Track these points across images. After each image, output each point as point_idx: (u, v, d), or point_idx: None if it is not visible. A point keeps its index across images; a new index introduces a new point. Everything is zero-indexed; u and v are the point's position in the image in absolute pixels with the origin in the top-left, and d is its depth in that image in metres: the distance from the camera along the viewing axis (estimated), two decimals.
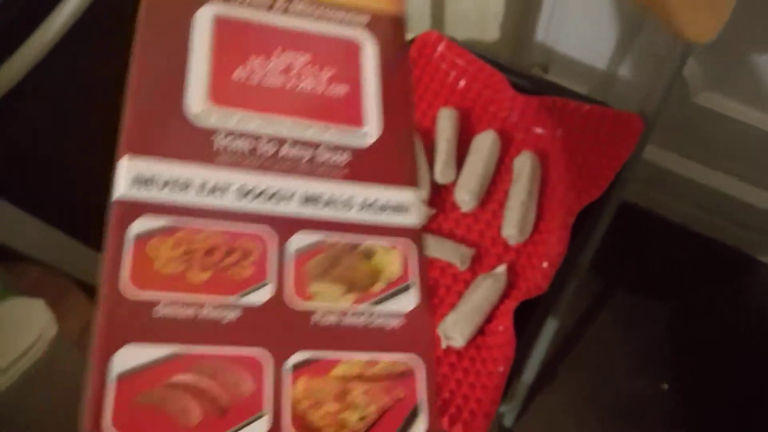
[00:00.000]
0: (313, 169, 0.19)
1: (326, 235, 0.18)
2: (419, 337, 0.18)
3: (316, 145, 0.19)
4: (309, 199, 0.18)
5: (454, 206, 0.71)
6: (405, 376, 0.17)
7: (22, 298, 0.73)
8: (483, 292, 0.64)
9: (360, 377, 0.17)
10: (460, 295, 0.66)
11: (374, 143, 0.20)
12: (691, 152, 1.08)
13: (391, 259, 0.19)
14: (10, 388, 0.66)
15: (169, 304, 0.16)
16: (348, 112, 0.20)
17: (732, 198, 1.07)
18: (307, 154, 0.19)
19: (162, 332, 0.15)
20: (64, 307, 0.89)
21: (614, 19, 0.92)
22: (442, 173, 0.71)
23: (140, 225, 0.17)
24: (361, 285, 0.18)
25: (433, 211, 0.70)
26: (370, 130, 0.20)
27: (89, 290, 0.91)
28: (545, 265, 0.65)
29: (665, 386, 1.05)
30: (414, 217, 0.20)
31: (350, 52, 0.21)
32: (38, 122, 0.82)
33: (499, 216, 0.70)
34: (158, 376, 0.15)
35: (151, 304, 0.16)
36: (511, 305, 0.63)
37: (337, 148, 0.20)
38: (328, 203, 0.19)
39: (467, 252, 0.67)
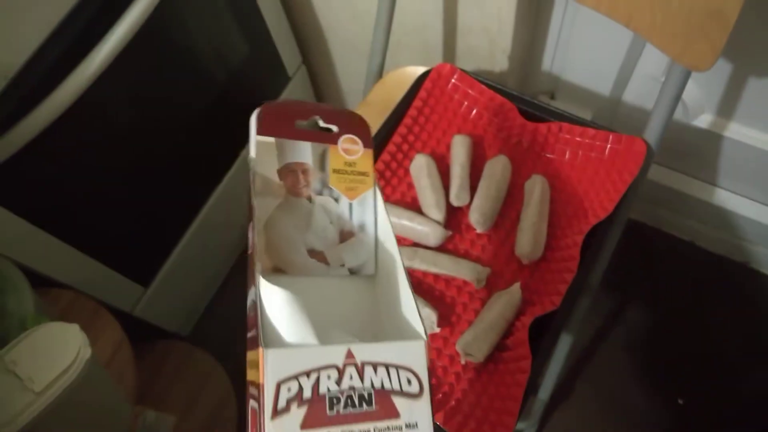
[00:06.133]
0: None
1: None
2: None
3: None
4: None
5: (470, 227, 0.74)
6: None
7: (58, 322, 0.75)
8: (499, 309, 0.66)
9: None
10: (476, 312, 0.68)
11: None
12: (696, 172, 1.10)
13: None
14: (46, 410, 0.69)
15: None
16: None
17: (737, 215, 1.09)
18: None
19: None
20: (95, 329, 0.92)
21: (616, 49, 0.96)
22: (458, 196, 0.74)
23: None
24: None
25: (450, 233, 0.73)
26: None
27: (115, 312, 0.94)
28: (558, 281, 0.68)
29: (680, 401, 1.06)
30: None
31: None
32: (71, 156, 0.86)
33: (512, 236, 0.73)
34: None
35: None
36: (526, 321, 0.64)
37: None
38: None
39: (483, 271, 0.69)
